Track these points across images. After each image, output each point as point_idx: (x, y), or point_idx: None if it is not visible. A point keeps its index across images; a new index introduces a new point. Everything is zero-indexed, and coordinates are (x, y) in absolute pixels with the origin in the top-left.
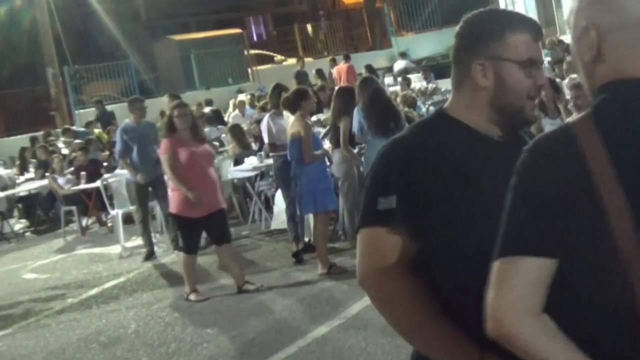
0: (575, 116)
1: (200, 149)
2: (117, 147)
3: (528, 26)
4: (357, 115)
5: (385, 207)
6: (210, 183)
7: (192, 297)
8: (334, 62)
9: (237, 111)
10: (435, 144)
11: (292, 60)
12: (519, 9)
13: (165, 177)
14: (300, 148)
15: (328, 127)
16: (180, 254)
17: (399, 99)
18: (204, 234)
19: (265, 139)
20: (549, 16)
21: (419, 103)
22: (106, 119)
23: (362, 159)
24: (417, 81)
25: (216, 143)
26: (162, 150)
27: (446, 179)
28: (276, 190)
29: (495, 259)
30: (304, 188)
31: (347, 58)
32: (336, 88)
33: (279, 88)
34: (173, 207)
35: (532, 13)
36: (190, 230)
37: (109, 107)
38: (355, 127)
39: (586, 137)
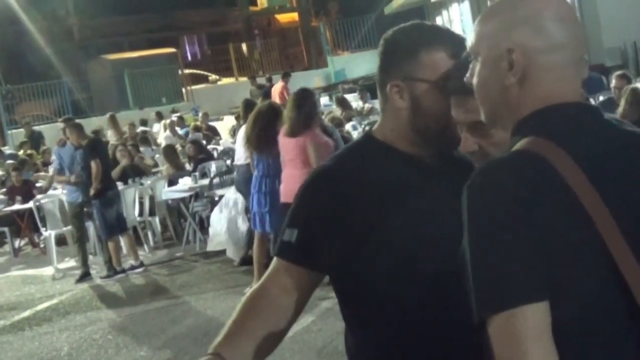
0: (524, 142)
1: None
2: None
3: (446, 43)
4: None
5: (287, 239)
6: None
7: None
8: (269, 82)
9: (168, 131)
10: (359, 170)
11: (226, 80)
12: (457, 28)
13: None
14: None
15: None
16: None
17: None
18: None
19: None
20: None
21: (354, 123)
22: (36, 140)
23: None
24: (354, 101)
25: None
26: None
27: (368, 204)
28: (211, 211)
29: (489, 316)
30: (275, 205)
31: (284, 76)
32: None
33: (250, 102)
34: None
35: (471, 32)
36: None
37: (41, 127)
38: None
39: (561, 162)
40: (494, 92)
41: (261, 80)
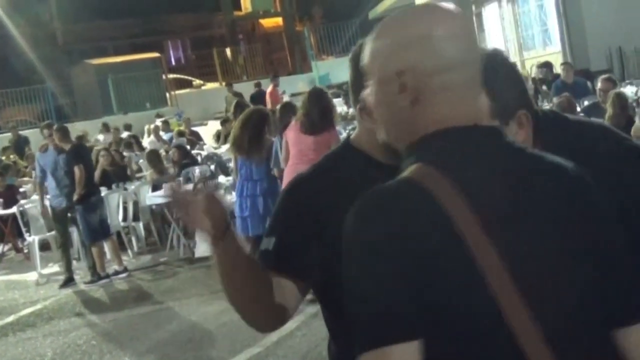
0: (410, 169)
1: None
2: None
3: None
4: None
5: (264, 247)
6: None
7: None
8: (258, 87)
9: (152, 137)
10: (337, 179)
11: (211, 85)
12: None
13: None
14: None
15: None
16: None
17: None
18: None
19: None
20: None
21: (339, 128)
22: (21, 145)
23: None
24: (338, 106)
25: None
26: None
27: (345, 213)
28: None
29: (361, 352)
30: (256, 209)
31: (273, 79)
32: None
33: (240, 106)
34: None
35: None
36: None
37: (25, 132)
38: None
39: (443, 192)
40: (388, 113)
41: (240, 85)
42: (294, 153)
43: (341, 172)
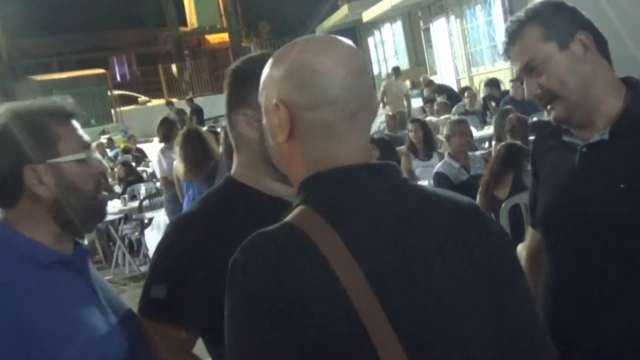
0: (294, 212)
1: None
2: None
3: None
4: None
5: (156, 296)
6: None
7: None
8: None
9: (97, 153)
10: (225, 221)
11: (156, 101)
12: (389, 48)
13: None
14: (205, 187)
15: None
16: None
17: None
18: None
19: (158, 174)
20: (419, 56)
21: None
22: None
23: None
24: None
25: None
26: None
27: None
28: (140, 233)
29: None
30: None
31: None
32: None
33: (167, 122)
34: None
35: (403, 53)
36: None
37: None
38: None
39: (321, 235)
40: (272, 147)
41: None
42: None
43: (232, 213)
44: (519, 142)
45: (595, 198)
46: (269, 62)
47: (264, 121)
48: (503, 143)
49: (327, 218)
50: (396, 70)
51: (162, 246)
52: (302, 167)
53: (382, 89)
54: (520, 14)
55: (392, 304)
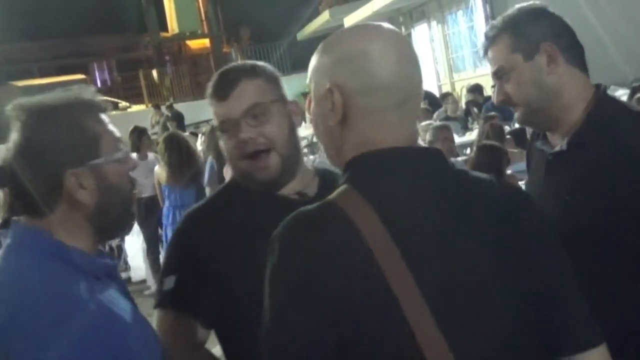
0: (337, 192)
1: None
2: None
3: (213, 89)
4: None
5: (168, 288)
6: None
7: None
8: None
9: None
10: (224, 214)
11: (137, 107)
12: None
13: None
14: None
15: None
16: None
17: None
18: None
19: None
20: None
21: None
22: None
23: None
24: None
25: None
26: None
27: (237, 247)
28: (122, 240)
29: None
30: None
31: None
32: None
33: (137, 131)
34: None
35: None
36: None
37: None
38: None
39: (361, 214)
40: (322, 132)
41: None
42: None
43: (236, 208)
44: (492, 142)
45: (549, 208)
46: (319, 49)
47: (313, 106)
48: (478, 146)
49: (368, 197)
50: None
51: (172, 239)
52: (351, 149)
53: None
54: (498, 21)
55: (430, 286)
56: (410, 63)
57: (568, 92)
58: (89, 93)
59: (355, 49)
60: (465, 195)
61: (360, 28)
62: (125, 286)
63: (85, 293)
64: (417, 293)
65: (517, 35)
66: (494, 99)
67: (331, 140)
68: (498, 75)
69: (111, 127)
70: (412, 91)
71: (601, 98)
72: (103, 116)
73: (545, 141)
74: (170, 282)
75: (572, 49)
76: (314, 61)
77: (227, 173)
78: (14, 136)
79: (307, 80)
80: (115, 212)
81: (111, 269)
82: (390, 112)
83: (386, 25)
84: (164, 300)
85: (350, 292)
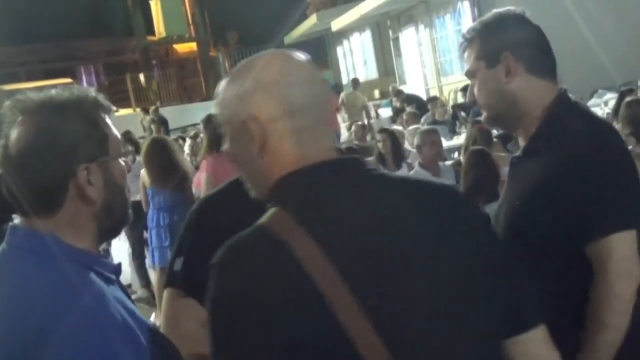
0: (266, 215)
1: None
2: None
3: None
4: None
5: (177, 268)
6: None
7: None
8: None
9: None
10: (238, 200)
11: (124, 111)
12: (358, 58)
13: None
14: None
15: None
16: None
17: None
18: None
19: None
20: (388, 65)
21: None
22: None
23: None
24: None
25: None
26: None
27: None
28: (109, 244)
29: None
30: (175, 238)
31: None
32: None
33: (126, 135)
34: None
35: (371, 62)
36: None
37: None
38: None
39: (293, 237)
40: (245, 165)
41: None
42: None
43: (248, 197)
44: (479, 147)
45: (503, 213)
46: (226, 82)
47: (228, 144)
48: (468, 152)
49: (298, 218)
50: (355, 81)
51: (186, 221)
52: (276, 174)
53: (340, 100)
54: (475, 24)
55: (369, 300)
56: (318, 82)
57: (525, 101)
58: (94, 92)
59: (266, 76)
60: (392, 197)
61: (268, 56)
62: (124, 287)
63: (106, 290)
64: (355, 308)
65: (483, 43)
66: (467, 98)
67: (256, 170)
68: (468, 77)
69: (114, 129)
70: (325, 108)
71: (557, 105)
72: (107, 117)
73: (517, 145)
74: (179, 263)
75: (533, 58)
76: (221, 95)
77: (200, 182)
78: (19, 130)
79: (219, 113)
80: (118, 212)
81: (116, 269)
82: (309, 131)
83: (292, 51)
84: (172, 280)
85: (290, 317)
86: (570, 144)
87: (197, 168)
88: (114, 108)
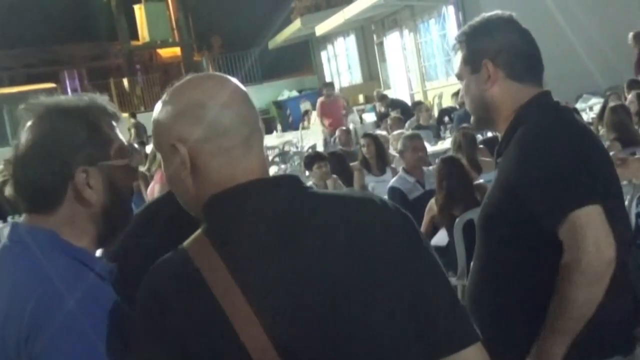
0: (190, 239)
1: None
2: None
3: None
4: None
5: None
6: None
7: None
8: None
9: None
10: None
11: None
12: (342, 62)
13: None
14: None
15: None
16: None
17: None
18: None
19: None
20: (373, 70)
21: None
22: None
23: None
24: None
25: None
26: None
27: None
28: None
29: None
30: None
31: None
32: None
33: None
34: None
35: (356, 67)
36: None
37: None
38: None
39: (204, 260)
40: (177, 185)
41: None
42: None
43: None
44: (452, 155)
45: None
46: (158, 106)
47: (164, 166)
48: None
49: (215, 242)
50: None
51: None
52: (206, 194)
53: (317, 105)
54: (465, 27)
55: (277, 325)
56: (245, 105)
57: (506, 106)
58: (103, 101)
59: (192, 100)
60: (314, 217)
61: (193, 80)
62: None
63: (99, 286)
64: (259, 329)
65: (468, 49)
66: (458, 100)
67: (188, 191)
68: (459, 80)
69: (121, 135)
70: (253, 126)
71: (527, 104)
72: (115, 124)
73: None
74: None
75: (514, 63)
76: (154, 118)
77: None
78: (27, 132)
79: (152, 137)
80: (117, 217)
81: (113, 271)
82: (237, 150)
83: (217, 74)
84: None
85: (199, 343)
86: (523, 133)
87: (151, 178)
88: (123, 115)
